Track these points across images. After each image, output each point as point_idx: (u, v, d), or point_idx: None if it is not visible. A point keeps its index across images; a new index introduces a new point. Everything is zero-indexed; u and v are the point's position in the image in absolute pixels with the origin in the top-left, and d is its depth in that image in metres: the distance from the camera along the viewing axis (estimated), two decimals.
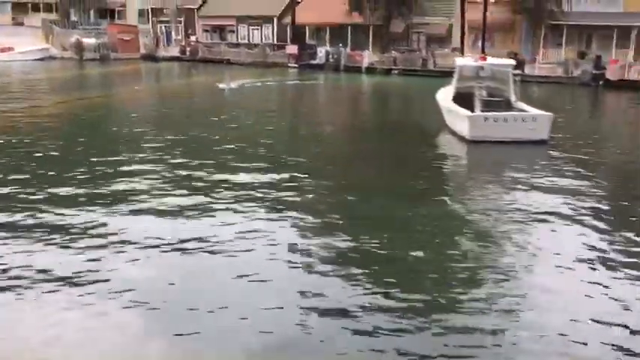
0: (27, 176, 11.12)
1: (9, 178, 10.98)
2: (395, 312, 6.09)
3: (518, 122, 15.17)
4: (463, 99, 17.14)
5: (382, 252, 7.76)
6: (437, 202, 10.31)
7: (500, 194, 10.83)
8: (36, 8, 66.57)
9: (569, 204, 10.05)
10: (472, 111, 16.29)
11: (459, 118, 16.10)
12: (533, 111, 15.94)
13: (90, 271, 6.92)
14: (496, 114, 15.49)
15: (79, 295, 6.35)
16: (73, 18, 58.82)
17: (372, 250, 7.82)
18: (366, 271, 7.18)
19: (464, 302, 6.34)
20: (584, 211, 9.65)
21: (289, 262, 7.35)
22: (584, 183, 11.68)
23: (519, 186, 11.32)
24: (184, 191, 10.21)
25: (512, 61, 18.95)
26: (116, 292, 6.44)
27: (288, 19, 48.13)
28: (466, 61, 18.63)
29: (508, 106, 16.99)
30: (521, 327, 5.86)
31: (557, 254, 7.71)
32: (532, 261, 7.54)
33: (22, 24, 63.35)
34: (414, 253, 7.68)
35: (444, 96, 18.17)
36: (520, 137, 14.88)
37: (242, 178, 11.10)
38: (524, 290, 6.65)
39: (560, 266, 7.33)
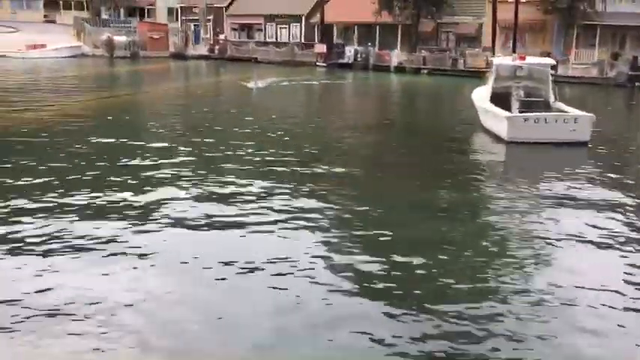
0: (53, 174, 10.94)
1: (38, 172, 10.96)
2: (427, 320, 5.97)
3: (558, 123, 14.88)
4: (500, 99, 16.90)
5: (413, 259, 7.56)
6: (476, 207, 10.14)
7: (542, 198, 10.53)
8: (67, 6, 67.56)
9: (618, 208, 9.79)
10: (509, 111, 16.05)
11: (496, 119, 15.86)
12: (574, 112, 15.62)
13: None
14: (536, 114, 15.21)
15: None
16: (104, 16, 59.54)
17: (400, 251, 7.66)
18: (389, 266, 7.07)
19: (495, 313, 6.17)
20: (628, 216, 9.39)
21: (314, 268, 7.13)
22: (629, 187, 11.38)
23: (562, 189, 11.04)
24: (208, 194, 9.94)
25: (552, 61, 18.64)
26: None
27: (316, 18, 48.14)
28: (503, 60, 18.34)
29: (547, 106, 16.70)
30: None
31: (597, 266, 7.47)
32: (572, 276, 7.21)
33: (53, 21, 64.36)
34: (448, 259, 7.53)
35: (480, 96, 17.91)
36: (560, 138, 14.59)
37: (264, 182, 10.74)
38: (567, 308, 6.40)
39: (601, 284, 6.93)
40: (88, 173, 11.06)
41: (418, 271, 7.09)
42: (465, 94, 21.64)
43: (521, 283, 6.84)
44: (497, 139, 15.62)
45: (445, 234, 8.38)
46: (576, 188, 11.13)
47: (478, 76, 31.95)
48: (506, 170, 13.99)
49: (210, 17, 56.14)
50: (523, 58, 17.23)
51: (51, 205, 9.08)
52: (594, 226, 8.81)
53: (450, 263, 7.38)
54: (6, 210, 8.82)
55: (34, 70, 34.98)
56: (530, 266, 7.36)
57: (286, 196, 9.81)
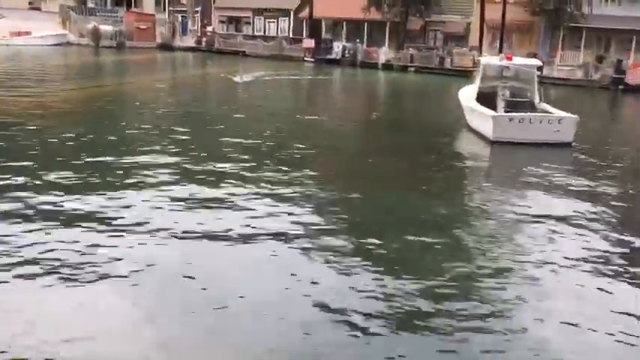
0: (30, 162, 10.75)
1: (13, 164, 10.63)
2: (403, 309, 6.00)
3: (543, 124, 15.01)
4: (486, 99, 16.99)
5: (392, 254, 7.61)
6: (456, 203, 10.19)
7: (523, 197, 10.65)
8: None
9: (597, 208, 9.91)
10: (495, 111, 16.14)
11: (482, 118, 15.95)
12: (559, 113, 15.76)
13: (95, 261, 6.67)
14: (521, 115, 15.32)
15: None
16: (91, 4, 58.82)
17: (382, 250, 7.67)
18: (368, 264, 7.09)
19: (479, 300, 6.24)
20: (607, 217, 9.51)
21: (310, 260, 7.19)
22: (611, 187, 11.54)
23: (545, 189, 11.17)
24: (191, 185, 9.83)
25: (538, 62, 18.77)
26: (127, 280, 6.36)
27: (304, 13, 48.01)
28: (491, 59, 18.42)
29: (532, 107, 16.83)
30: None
31: (570, 258, 7.57)
32: (547, 267, 7.32)
33: (39, 9, 63.54)
34: (426, 254, 7.58)
35: (467, 95, 18.00)
36: (544, 139, 14.73)
37: (248, 173, 10.73)
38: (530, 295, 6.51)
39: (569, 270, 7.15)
40: (63, 168, 10.57)
41: (395, 269, 7.11)
42: (452, 93, 21.71)
43: (496, 281, 6.88)
44: (483, 138, 15.71)
45: (426, 232, 8.39)
46: (559, 188, 11.25)
47: (465, 75, 32.17)
48: (490, 169, 14.11)
49: (198, 9, 55.71)
50: (510, 58, 17.33)
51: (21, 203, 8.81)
52: (574, 228, 8.90)
53: (429, 264, 7.41)
54: None
55: (18, 58, 34.48)
56: (505, 263, 7.39)
57: (265, 197, 9.52)
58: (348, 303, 6.07)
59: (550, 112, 16.02)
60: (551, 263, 7.43)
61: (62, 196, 8.92)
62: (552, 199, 10.54)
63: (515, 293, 6.52)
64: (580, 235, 8.58)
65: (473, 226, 8.90)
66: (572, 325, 5.94)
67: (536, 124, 15.00)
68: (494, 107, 16.62)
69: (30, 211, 8.22)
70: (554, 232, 8.63)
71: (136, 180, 9.97)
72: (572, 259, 7.62)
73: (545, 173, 12.42)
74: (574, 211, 9.72)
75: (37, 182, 9.59)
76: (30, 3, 66.66)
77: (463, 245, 8.02)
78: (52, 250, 6.93)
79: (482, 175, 13.06)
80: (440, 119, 20.91)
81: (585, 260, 7.61)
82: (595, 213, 9.65)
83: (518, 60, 17.88)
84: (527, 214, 9.46)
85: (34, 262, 6.61)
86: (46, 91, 21.26)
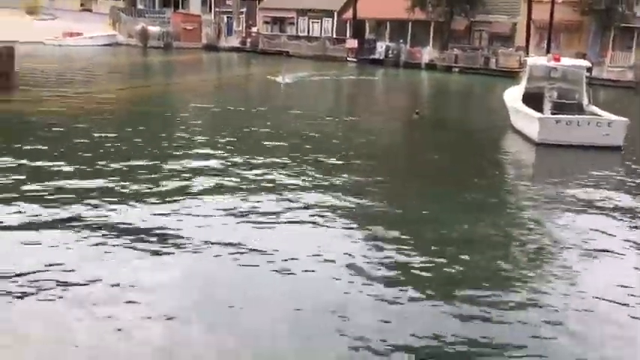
0: (79, 162, 10.96)
1: (61, 161, 10.87)
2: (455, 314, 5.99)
3: (591, 126, 14.65)
4: (532, 100, 16.69)
5: (438, 258, 7.57)
6: (498, 208, 10.04)
7: (570, 203, 10.34)
8: None
9: None
10: (541, 113, 15.86)
11: (527, 120, 15.69)
12: (608, 115, 15.36)
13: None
14: (568, 117, 15.01)
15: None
16: (140, 6, 60.35)
17: (427, 253, 7.67)
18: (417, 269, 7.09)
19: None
20: None
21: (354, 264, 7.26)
22: None
23: (592, 193, 10.89)
24: (233, 187, 9.85)
25: (587, 63, 18.33)
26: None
27: (348, 14, 48.06)
28: (538, 60, 18.10)
29: (580, 109, 16.47)
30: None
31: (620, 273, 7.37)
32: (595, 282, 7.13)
33: (90, 10, 65.47)
34: (471, 259, 7.52)
35: (512, 96, 17.73)
36: (592, 142, 14.37)
37: (290, 178, 10.68)
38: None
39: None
40: (107, 166, 10.82)
41: (441, 269, 7.11)
42: (497, 94, 21.41)
43: (542, 285, 6.80)
44: (528, 140, 15.46)
45: (469, 234, 8.35)
46: (607, 194, 10.95)
47: (510, 75, 31.64)
48: (535, 173, 13.84)
49: (244, 10, 56.42)
50: (558, 59, 16.99)
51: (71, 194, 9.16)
52: (624, 234, 8.69)
53: (472, 264, 7.37)
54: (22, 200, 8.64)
55: (69, 58, 35.62)
56: (551, 269, 7.29)
57: (313, 193, 9.73)
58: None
59: (599, 115, 15.62)
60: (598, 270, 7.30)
61: (105, 202, 8.94)
62: (599, 203, 10.29)
63: (563, 301, 6.42)
64: (631, 243, 8.37)
65: (516, 227, 8.80)
66: None
67: (584, 126, 14.66)
68: (540, 109, 16.33)
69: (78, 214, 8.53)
70: (601, 237, 8.45)
71: (178, 183, 10.00)
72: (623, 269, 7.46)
73: (593, 177, 12.13)
74: (623, 216, 9.49)
75: (82, 183, 9.95)
76: (82, 4, 68.74)
77: (504, 247, 7.96)
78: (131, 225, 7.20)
79: (525, 179, 12.83)
80: (484, 120, 20.66)
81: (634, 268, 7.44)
82: None
83: (566, 61, 17.51)
84: (571, 218, 9.29)
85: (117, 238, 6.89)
86: (95, 91, 21.93)
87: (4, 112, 16.73)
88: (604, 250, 7.93)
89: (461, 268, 7.13)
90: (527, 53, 35.04)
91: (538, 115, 15.31)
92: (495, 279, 6.94)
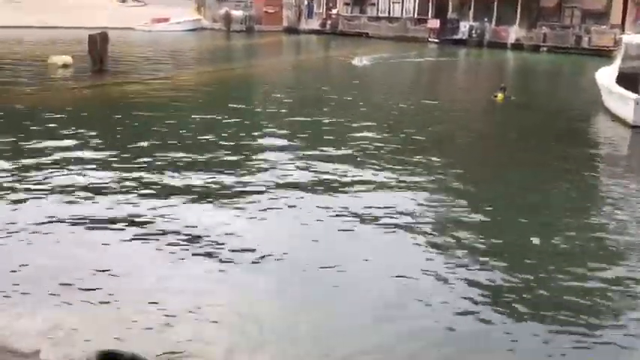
0: (151, 142, 11.30)
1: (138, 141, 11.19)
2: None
3: None
4: (627, 81, 15.61)
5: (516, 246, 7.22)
6: (588, 191, 9.57)
7: None
8: None
9: None
10: (637, 94, 14.86)
11: (622, 101, 14.76)
12: None
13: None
14: None
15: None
16: None
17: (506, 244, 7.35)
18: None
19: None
20: None
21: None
22: None
23: None
24: (311, 172, 9.55)
25: None
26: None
27: None
28: (635, 37, 16.93)
29: None
30: None
31: None
32: None
33: None
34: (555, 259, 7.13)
35: (606, 76, 16.72)
36: None
37: (366, 169, 10.09)
38: None
39: None
40: (185, 148, 10.83)
41: (519, 261, 6.86)
42: (588, 74, 20.25)
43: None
44: (623, 122, 14.55)
45: (556, 227, 7.91)
46: None
47: (604, 54, 29.87)
48: (630, 157, 13.00)
49: None
50: None
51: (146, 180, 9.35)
52: None
53: (554, 264, 7.05)
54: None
55: (158, 43, 37.08)
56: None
57: (386, 184, 9.26)
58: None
59: None
60: None
61: (191, 175, 9.25)
62: None
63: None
64: None
65: (603, 216, 8.32)
66: None
67: None
68: (636, 90, 15.27)
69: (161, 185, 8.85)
70: None
71: (254, 165, 10.00)
72: None
73: None
74: None
75: (168, 159, 10.32)
76: None
77: (590, 237, 7.55)
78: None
79: (619, 166, 12.03)
80: (575, 101, 19.62)
81: None
82: None
83: None
84: None
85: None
86: (180, 74, 22.78)
87: (99, 96, 17.72)
88: None
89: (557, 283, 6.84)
90: (623, 30, 32.86)
91: (634, 95, 14.34)
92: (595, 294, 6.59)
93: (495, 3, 43.08)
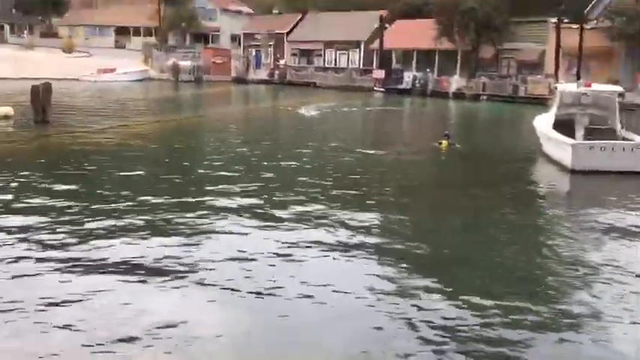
0: (109, 192, 11.21)
1: (88, 199, 10.85)
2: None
3: (626, 152, 14.33)
4: (563, 127, 16.45)
5: (467, 283, 7.41)
6: (537, 238, 9.82)
7: (608, 231, 9.98)
8: (137, 33, 70.90)
9: None
10: (573, 139, 15.59)
11: (560, 147, 15.42)
12: None
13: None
14: (603, 142, 14.71)
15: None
16: (171, 42, 62.06)
17: (456, 278, 7.50)
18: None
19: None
20: None
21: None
22: None
23: (630, 222, 10.57)
24: (254, 225, 9.58)
25: (620, 88, 18.04)
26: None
27: (375, 44, 48.51)
28: (568, 86, 17.88)
29: (613, 134, 16.16)
30: None
31: None
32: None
33: (123, 47, 67.55)
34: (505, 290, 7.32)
35: (543, 123, 17.49)
36: (628, 168, 14.04)
37: (314, 215, 10.32)
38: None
39: None
40: (136, 199, 10.89)
41: (471, 298, 6.93)
42: (526, 122, 21.12)
43: (581, 315, 6.58)
44: (561, 167, 15.17)
45: (504, 263, 8.16)
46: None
47: (540, 103, 31.33)
48: (570, 201, 13.50)
49: (272, 43, 57.51)
50: (589, 86, 16.77)
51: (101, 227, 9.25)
52: None
53: (507, 295, 7.18)
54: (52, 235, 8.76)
55: (104, 93, 36.61)
56: (593, 300, 7.05)
57: (337, 230, 9.39)
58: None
59: (634, 140, 15.29)
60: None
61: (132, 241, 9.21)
62: (634, 231, 9.98)
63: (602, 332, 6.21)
64: None
65: (550, 258, 8.56)
66: None
67: (619, 152, 14.35)
68: (572, 135, 16.09)
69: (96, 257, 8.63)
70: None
71: (197, 219, 9.91)
72: None
73: (630, 205, 11.81)
74: None
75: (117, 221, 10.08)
76: (116, 42, 71.05)
77: (541, 275, 7.74)
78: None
79: (560, 207, 12.47)
80: (515, 148, 20.37)
81: None
82: None
83: (597, 86, 17.25)
84: (609, 247, 9.03)
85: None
86: (127, 125, 22.30)
87: (40, 147, 17.21)
88: None
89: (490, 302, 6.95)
90: (557, 80, 34.71)
91: (571, 141, 15.05)
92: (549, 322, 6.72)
93: (437, 54, 44.92)
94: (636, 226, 10.26)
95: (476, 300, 6.85)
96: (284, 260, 7.97)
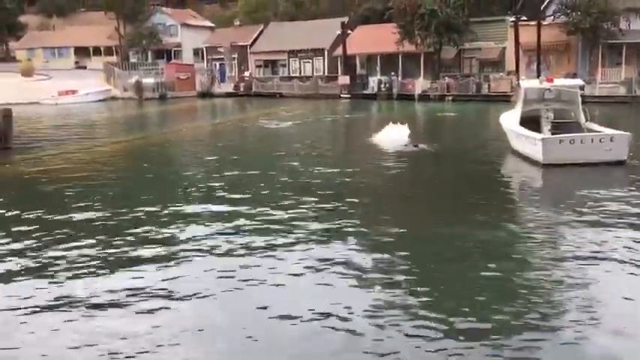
0: (75, 220, 10.86)
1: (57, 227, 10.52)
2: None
3: (594, 143, 14.62)
4: (530, 122, 16.72)
5: (441, 285, 7.42)
6: (516, 232, 9.91)
7: (583, 221, 10.16)
8: (97, 52, 69.93)
9: None
10: (541, 134, 15.82)
11: (529, 142, 15.64)
12: (610, 131, 15.36)
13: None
14: (571, 135, 14.99)
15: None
16: (133, 60, 61.28)
17: (431, 282, 7.53)
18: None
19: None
20: None
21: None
22: None
23: (603, 210, 10.76)
24: (232, 232, 9.70)
25: (580, 81, 18.43)
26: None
27: (338, 51, 48.69)
28: (531, 83, 18.17)
29: (578, 127, 16.47)
30: None
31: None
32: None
33: (84, 67, 66.45)
34: (485, 286, 7.37)
35: (510, 120, 17.73)
36: (597, 159, 14.33)
37: (288, 225, 10.24)
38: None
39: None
40: (102, 222, 10.66)
41: (447, 297, 6.92)
42: (492, 119, 21.44)
43: (560, 307, 6.61)
44: (531, 162, 15.39)
45: (482, 261, 8.18)
46: (617, 208, 10.83)
47: (503, 100, 31.85)
48: (544, 193, 13.68)
49: (235, 55, 57.24)
50: (551, 81, 17.10)
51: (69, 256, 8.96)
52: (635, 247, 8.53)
53: (487, 290, 7.18)
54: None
55: (66, 115, 35.78)
56: (569, 290, 7.10)
57: (304, 238, 9.38)
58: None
59: (599, 131, 15.61)
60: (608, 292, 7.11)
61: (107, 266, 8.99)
62: (610, 218, 10.15)
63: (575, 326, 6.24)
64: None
65: (530, 251, 8.63)
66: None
67: (588, 143, 14.63)
68: (539, 130, 16.34)
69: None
70: (616, 258, 8.27)
71: (168, 241, 9.90)
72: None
73: (601, 193, 12.02)
74: (636, 231, 9.33)
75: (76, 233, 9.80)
76: (76, 62, 69.91)
77: (520, 270, 7.77)
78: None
79: (535, 200, 12.66)
80: (484, 146, 20.57)
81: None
82: None
83: (559, 81, 17.60)
84: (586, 236, 9.15)
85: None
86: (91, 147, 21.65)
87: (2, 175, 16.66)
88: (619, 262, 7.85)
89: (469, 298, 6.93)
90: (518, 77, 35.38)
91: (541, 136, 15.28)
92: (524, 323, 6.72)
93: (400, 57, 45.32)
94: (613, 212, 10.45)
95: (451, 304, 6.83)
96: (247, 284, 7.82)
